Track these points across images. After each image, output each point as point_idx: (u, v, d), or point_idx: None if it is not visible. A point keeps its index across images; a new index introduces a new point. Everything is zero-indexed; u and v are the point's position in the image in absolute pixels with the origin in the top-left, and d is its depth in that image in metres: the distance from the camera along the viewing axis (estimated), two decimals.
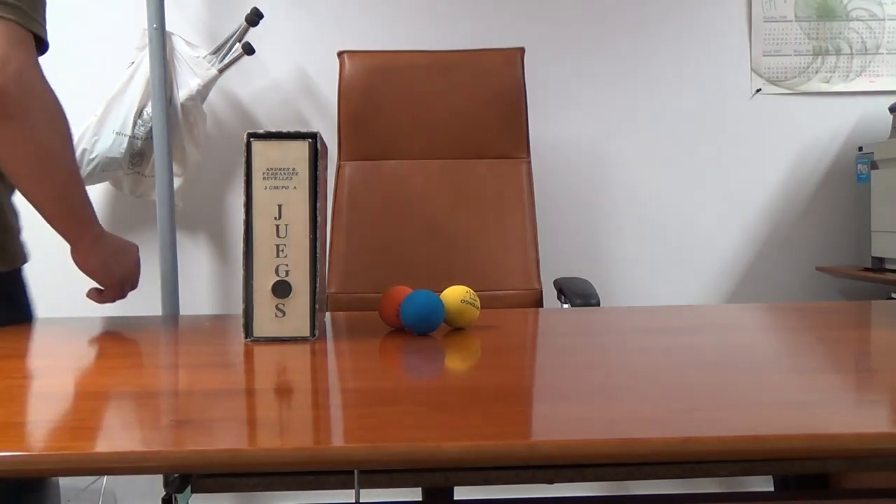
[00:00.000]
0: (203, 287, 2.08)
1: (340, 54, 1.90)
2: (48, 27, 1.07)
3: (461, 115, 1.90)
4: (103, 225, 1.21)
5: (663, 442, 0.49)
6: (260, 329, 0.88)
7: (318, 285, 0.88)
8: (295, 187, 0.88)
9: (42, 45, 1.04)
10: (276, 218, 0.88)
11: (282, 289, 0.88)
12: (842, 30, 2.15)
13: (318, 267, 0.88)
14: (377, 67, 1.90)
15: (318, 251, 0.88)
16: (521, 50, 1.91)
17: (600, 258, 2.15)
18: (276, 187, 0.88)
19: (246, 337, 0.88)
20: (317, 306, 0.88)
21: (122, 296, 1.19)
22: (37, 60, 1.03)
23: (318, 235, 0.88)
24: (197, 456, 0.49)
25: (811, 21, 2.15)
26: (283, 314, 0.88)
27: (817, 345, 0.83)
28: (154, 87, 1.82)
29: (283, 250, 0.88)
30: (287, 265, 0.88)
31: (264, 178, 0.88)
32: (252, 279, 0.88)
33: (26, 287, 1.21)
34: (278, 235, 0.88)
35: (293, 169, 0.88)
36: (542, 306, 1.82)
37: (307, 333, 0.88)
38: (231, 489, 0.94)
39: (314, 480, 0.90)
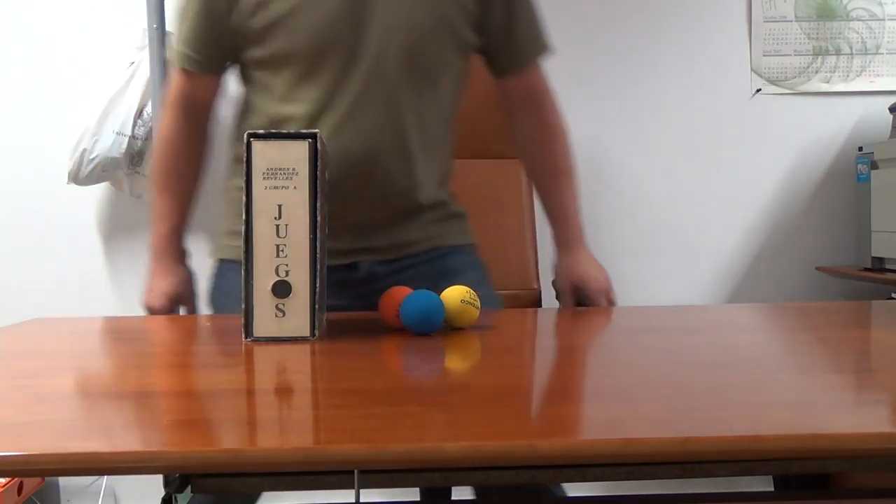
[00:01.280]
0: (203, 287, 2.08)
1: None
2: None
3: (460, 115, 1.90)
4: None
5: (663, 442, 0.49)
6: (260, 329, 0.88)
7: (318, 285, 0.88)
8: (295, 187, 0.88)
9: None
10: (276, 218, 0.88)
11: (282, 289, 0.88)
12: (842, 30, 2.15)
13: (318, 267, 0.88)
14: None
15: (318, 251, 0.88)
16: None
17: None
18: (276, 187, 0.88)
19: (246, 337, 0.88)
20: (317, 306, 0.88)
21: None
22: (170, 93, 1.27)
23: (318, 235, 0.88)
24: (197, 456, 0.49)
25: (811, 21, 2.15)
26: (283, 314, 0.88)
27: (817, 345, 0.83)
28: (154, 87, 1.82)
29: (283, 250, 0.88)
30: (287, 265, 0.88)
31: (264, 178, 0.88)
32: (252, 279, 0.88)
33: None
34: (278, 235, 0.88)
35: (293, 169, 0.88)
36: (540, 306, 1.82)
37: (307, 333, 0.88)
38: (231, 489, 0.94)
39: (314, 480, 0.90)
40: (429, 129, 1.24)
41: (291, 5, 1.12)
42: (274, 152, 0.88)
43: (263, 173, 0.88)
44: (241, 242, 0.89)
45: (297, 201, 0.88)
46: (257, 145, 0.88)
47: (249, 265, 0.88)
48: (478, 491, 1.16)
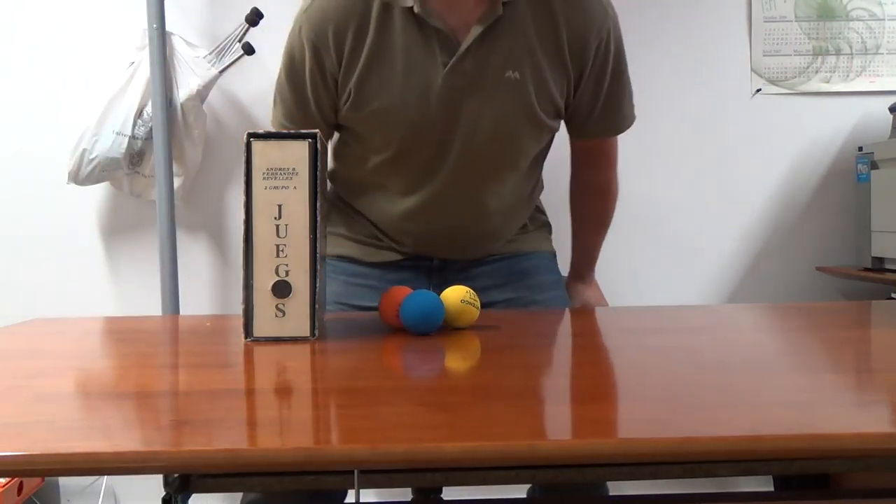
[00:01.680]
0: (203, 287, 2.08)
1: None
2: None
3: None
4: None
5: (663, 442, 0.49)
6: (260, 329, 0.88)
7: (318, 285, 0.88)
8: (295, 187, 0.88)
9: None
10: (276, 218, 0.88)
11: (282, 289, 0.88)
12: (842, 30, 2.15)
13: (318, 267, 0.88)
14: None
15: (318, 251, 0.88)
16: None
17: (599, 258, 2.14)
18: (276, 187, 0.88)
19: (246, 337, 0.88)
20: (317, 306, 0.88)
21: None
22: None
23: (318, 235, 0.88)
24: (197, 456, 0.49)
25: (811, 21, 2.15)
26: (283, 314, 0.88)
27: (817, 345, 0.83)
28: (154, 87, 1.82)
29: (283, 250, 0.88)
30: (287, 265, 0.88)
31: (264, 178, 0.88)
32: (252, 279, 0.88)
33: None
34: (278, 235, 0.88)
35: (293, 169, 0.88)
36: None
37: (307, 333, 0.88)
38: (231, 489, 0.94)
39: (314, 480, 0.90)
40: (509, 203, 1.32)
41: (388, 105, 1.17)
42: (274, 152, 0.88)
43: (263, 173, 0.88)
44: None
45: (297, 201, 0.88)
46: (257, 145, 0.88)
47: (249, 265, 0.88)
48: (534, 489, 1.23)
